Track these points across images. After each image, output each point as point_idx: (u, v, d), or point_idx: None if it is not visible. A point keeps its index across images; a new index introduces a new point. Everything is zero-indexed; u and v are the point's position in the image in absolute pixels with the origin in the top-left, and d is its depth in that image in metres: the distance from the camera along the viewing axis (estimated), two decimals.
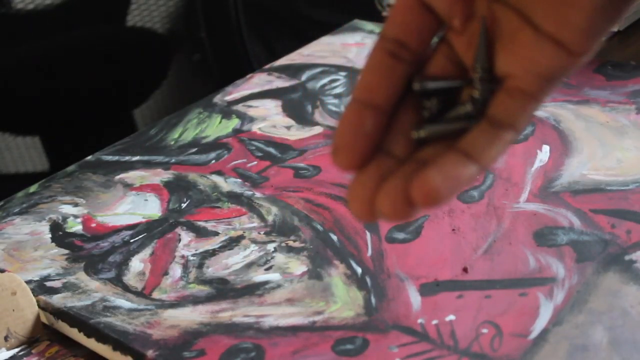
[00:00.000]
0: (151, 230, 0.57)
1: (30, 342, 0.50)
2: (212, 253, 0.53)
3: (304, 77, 0.77)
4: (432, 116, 0.32)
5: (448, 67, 0.33)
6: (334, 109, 0.70)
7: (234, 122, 0.71)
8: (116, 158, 0.68)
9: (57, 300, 0.51)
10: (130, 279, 0.52)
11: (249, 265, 0.51)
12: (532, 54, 0.31)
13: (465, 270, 0.47)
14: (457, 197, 0.54)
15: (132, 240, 0.56)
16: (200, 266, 0.52)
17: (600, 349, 0.40)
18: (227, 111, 0.73)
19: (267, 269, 0.51)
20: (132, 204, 0.61)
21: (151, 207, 0.60)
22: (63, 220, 0.60)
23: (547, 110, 0.63)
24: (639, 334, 0.41)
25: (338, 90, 0.73)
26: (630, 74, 0.67)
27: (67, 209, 0.61)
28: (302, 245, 0.52)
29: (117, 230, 0.58)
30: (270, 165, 0.63)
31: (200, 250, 0.54)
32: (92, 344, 0.48)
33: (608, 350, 0.40)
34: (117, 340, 0.46)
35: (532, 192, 0.53)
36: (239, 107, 0.73)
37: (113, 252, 0.55)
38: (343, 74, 0.76)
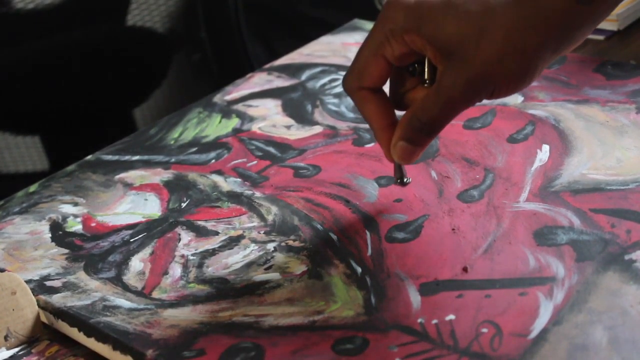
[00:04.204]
0: (151, 230, 0.57)
1: (30, 341, 0.50)
2: (212, 252, 0.53)
3: (303, 77, 0.77)
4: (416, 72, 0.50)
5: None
6: (333, 108, 0.70)
7: (234, 122, 0.71)
8: (116, 158, 0.68)
9: (57, 299, 0.51)
10: (130, 278, 0.52)
11: (249, 265, 0.51)
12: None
13: (465, 269, 0.47)
14: (457, 197, 0.54)
15: (132, 240, 0.56)
16: (200, 266, 0.52)
17: (600, 348, 0.40)
18: (227, 111, 0.73)
19: (267, 269, 0.51)
20: (132, 203, 0.61)
21: (151, 207, 0.60)
22: (63, 220, 0.60)
23: (547, 109, 0.63)
24: (639, 334, 0.41)
25: (338, 90, 0.73)
26: (630, 73, 0.67)
27: (67, 209, 0.61)
28: (302, 244, 0.52)
29: (117, 229, 0.58)
30: (270, 165, 0.63)
31: (200, 249, 0.54)
32: (92, 343, 0.48)
33: (608, 350, 0.40)
34: (117, 339, 0.46)
35: (532, 191, 0.53)
36: (239, 107, 0.73)
37: (113, 252, 0.55)
38: (343, 73, 0.76)
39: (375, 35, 0.48)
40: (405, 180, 0.54)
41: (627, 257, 0.46)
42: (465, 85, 0.46)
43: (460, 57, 0.45)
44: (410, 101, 0.50)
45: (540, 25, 0.44)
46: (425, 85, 0.49)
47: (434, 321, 0.44)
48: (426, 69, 0.49)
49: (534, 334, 0.42)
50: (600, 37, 0.76)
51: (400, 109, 0.51)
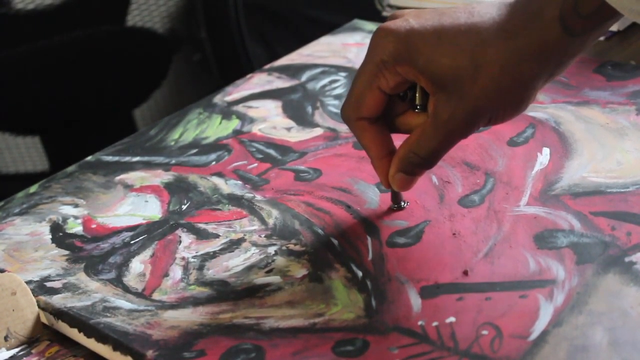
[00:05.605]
0: (151, 232, 0.57)
1: (30, 342, 0.51)
2: (213, 255, 0.53)
3: (304, 78, 0.77)
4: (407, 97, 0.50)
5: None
6: (334, 110, 0.70)
7: (234, 123, 0.71)
8: (116, 158, 0.68)
9: (57, 300, 0.51)
10: (130, 280, 0.52)
11: (250, 268, 0.51)
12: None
13: (465, 273, 0.47)
14: (458, 202, 0.54)
15: (132, 242, 0.56)
16: (200, 268, 0.52)
17: (601, 349, 0.40)
18: (227, 112, 0.73)
19: (267, 272, 0.51)
20: (132, 205, 0.61)
21: (151, 209, 0.60)
22: (63, 221, 0.60)
23: (547, 111, 0.63)
24: (639, 335, 0.41)
25: (338, 91, 0.73)
26: (630, 74, 0.67)
27: (67, 210, 0.61)
28: (303, 248, 0.52)
29: (117, 231, 0.58)
30: (271, 168, 0.63)
31: (201, 252, 0.54)
32: (92, 344, 0.48)
33: (608, 351, 0.40)
34: (117, 340, 0.46)
35: (532, 195, 0.53)
36: (239, 108, 0.73)
37: (113, 253, 0.55)
38: (343, 74, 0.76)
39: (368, 67, 0.48)
40: (402, 204, 0.55)
41: (627, 259, 0.46)
42: (464, 118, 0.46)
43: (456, 90, 0.46)
44: (401, 125, 0.51)
45: (534, 58, 0.45)
46: (417, 110, 0.50)
47: (435, 323, 0.44)
48: (417, 95, 0.50)
49: (534, 335, 0.42)
50: (600, 38, 0.76)
51: (390, 132, 0.52)
